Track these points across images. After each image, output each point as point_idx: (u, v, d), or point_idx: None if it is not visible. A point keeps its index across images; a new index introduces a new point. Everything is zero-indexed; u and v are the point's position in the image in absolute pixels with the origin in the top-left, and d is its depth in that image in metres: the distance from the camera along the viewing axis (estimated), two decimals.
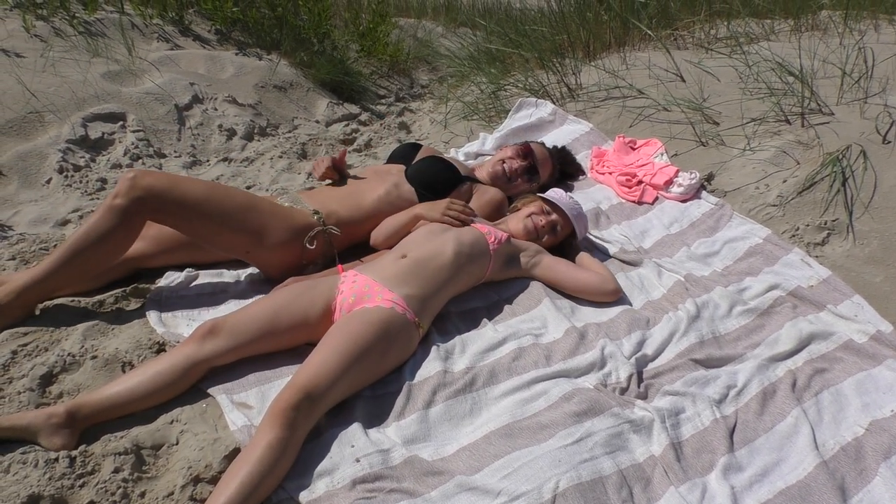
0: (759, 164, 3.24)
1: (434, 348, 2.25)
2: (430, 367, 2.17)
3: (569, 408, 1.99)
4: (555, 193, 2.84)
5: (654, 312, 2.52)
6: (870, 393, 2.12)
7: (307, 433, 1.85)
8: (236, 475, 1.67)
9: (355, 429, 1.92)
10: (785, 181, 3.07)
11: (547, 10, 6.09)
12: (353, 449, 1.85)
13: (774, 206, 3.01)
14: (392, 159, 3.15)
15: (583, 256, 2.73)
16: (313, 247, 2.55)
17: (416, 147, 3.19)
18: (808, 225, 2.87)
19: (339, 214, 2.69)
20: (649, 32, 4.95)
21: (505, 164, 3.15)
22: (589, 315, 2.51)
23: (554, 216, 2.76)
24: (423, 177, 2.87)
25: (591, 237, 3.02)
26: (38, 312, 2.35)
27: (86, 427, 1.89)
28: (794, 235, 2.87)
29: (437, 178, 2.87)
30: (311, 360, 1.94)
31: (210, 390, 2.06)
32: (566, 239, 2.82)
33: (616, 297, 2.56)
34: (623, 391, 2.13)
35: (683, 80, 4.17)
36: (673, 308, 2.51)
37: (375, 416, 2.01)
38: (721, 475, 1.82)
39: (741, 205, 3.12)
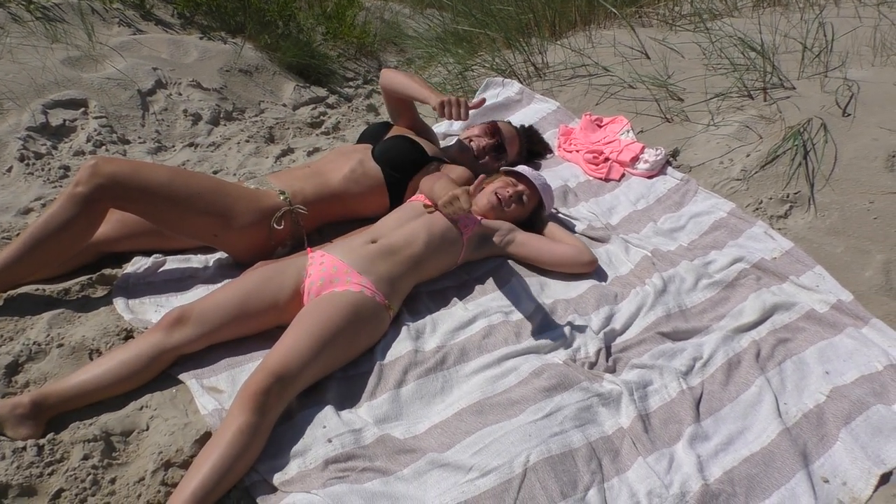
0: (722, 139, 3.27)
1: (405, 328, 2.27)
2: (400, 347, 2.18)
3: (538, 383, 2.02)
4: (520, 168, 2.86)
5: (621, 287, 2.55)
6: (831, 361, 2.17)
7: (278, 416, 1.85)
8: (207, 459, 1.68)
9: (327, 409, 1.93)
10: (748, 155, 3.11)
11: None
12: (325, 429, 1.86)
13: (738, 180, 3.05)
14: (363, 138, 3.14)
15: (553, 228, 2.75)
16: (281, 227, 2.54)
17: (387, 126, 3.17)
18: (770, 198, 2.91)
19: (306, 193, 2.67)
20: (614, 10, 4.97)
21: (473, 142, 3.15)
22: (558, 291, 2.53)
23: (520, 186, 2.77)
24: (389, 155, 2.85)
25: (559, 214, 3.04)
26: (1, 302, 2.31)
27: (52, 416, 1.87)
28: (757, 209, 2.91)
29: (403, 158, 2.85)
30: (280, 344, 1.95)
31: (180, 375, 2.05)
32: (534, 212, 2.83)
33: (593, 268, 2.60)
34: (592, 366, 2.17)
35: (648, 58, 4.20)
36: (640, 283, 2.55)
37: (347, 397, 2.03)
38: (688, 445, 1.86)
39: (706, 180, 3.16)
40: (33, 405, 1.82)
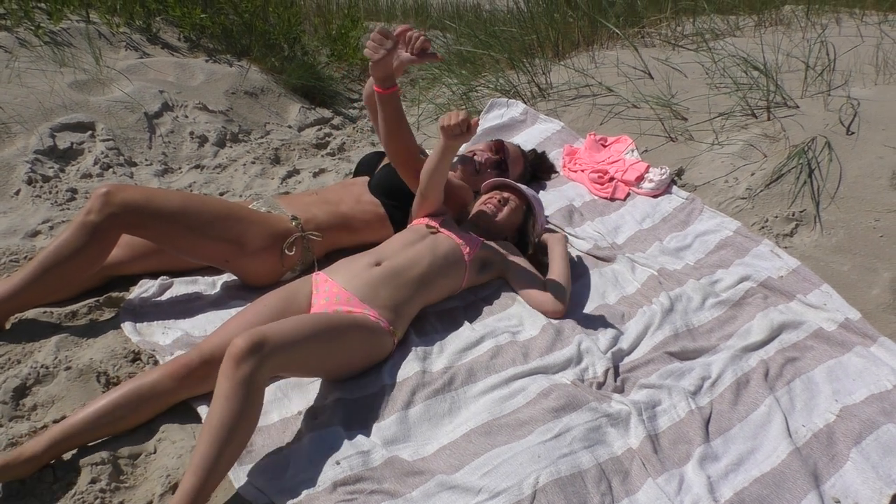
0: (727, 158, 3.28)
1: (412, 349, 2.26)
2: (408, 368, 2.18)
3: (547, 404, 2.01)
4: (500, 179, 2.90)
5: (628, 307, 2.55)
6: (840, 380, 2.16)
7: (263, 379, 1.79)
8: (202, 437, 1.68)
9: (335, 431, 1.93)
10: (753, 174, 3.12)
11: (516, 10, 6.12)
12: (332, 452, 1.85)
13: (743, 198, 3.06)
14: (359, 169, 3.16)
15: (556, 264, 2.62)
16: (292, 253, 2.56)
17: (381, 155, 3.19)
18: (776, 216, 2.92)
19: (319, 220, 2.69)
20: (617, 31, 5.00)
21: (476, 156, 3.17)
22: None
23: (505, 193, 2.79)
24: (383, 185, 2.86)
25: (565, 234, 3.04)
26: (8, 326, 2.32)
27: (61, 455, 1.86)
28: (763, 227, 2.91)
29: (399, 186, 2.84)
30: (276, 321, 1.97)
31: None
32: (525, 218, 2.82)
33: (558, 316, 2.48)
34: (600, 386, 2.16)
35: (651, 77, 4.22)
36: (647, 302, 2.54)
37: (355, 419, 2.02)
38: (697, 465, 1.84)
39: (711, 198, 3.16)
40: (47, 452, 1.80)
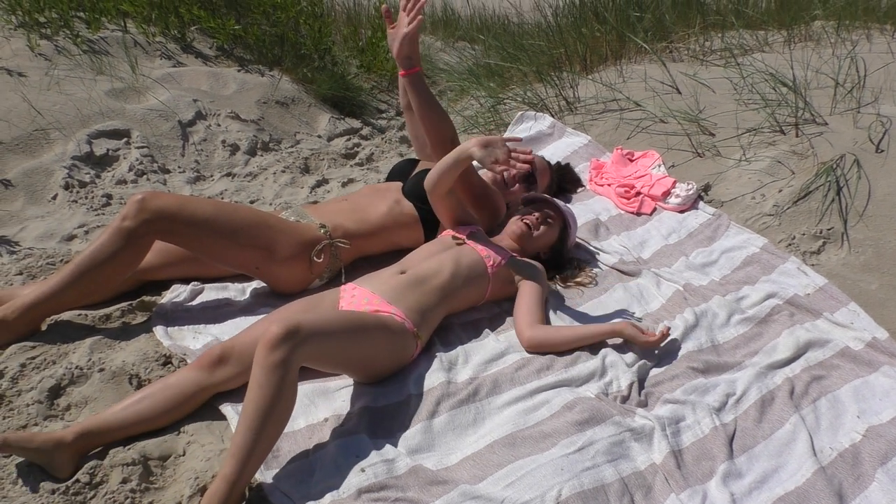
0: (754, 175, 3.28)
1: (437, 359, 2.29)
2: (433, 378, 2.20)
3: (571, 416, 2.02)
4: (537, 193, 2.90)
5: (653, 322, 2.55)
6: (866, 399, 2.14)
7: (296, 366, 1.81)
8: (240, 424, 1.74)
9: (360, 439, 1.95)
10: (780, 191, 3.11)
11: (544, 24, 6.14)
12: (357, 459, 1.88)
13: (770, 215, 3.05)
14: (392, 176, 3.20)
15: (587, 328, 2.47)
16: (320, 260, 2.60)
17: (414, 162, 3.23)
18: (803, 234, 2.91)
19: (346, 227, 2.72)
20: (645, 45, 5.00)
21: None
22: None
23: (545, 210, 2.80)
24: (419, 191, 2.90)
25: (590, 248, 3.05)
26: (44, 328, 2.38)
27: (92, 449, 1.91)
28: (790, 244, 2.90)
29: None
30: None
31: (217, 404, 2.09)
32: (562, 238, 2.83)
33: (525, 349, 2.43)
34: (624, 400, 2.16)
35: (679, 92, 4.22)
36: (672, 318, 2.54)
37: (380, 427, 2.04)
38: (721, 482, 1.84)
39: (738, 215, 3.16)
40: (76, 440, 1.85)
